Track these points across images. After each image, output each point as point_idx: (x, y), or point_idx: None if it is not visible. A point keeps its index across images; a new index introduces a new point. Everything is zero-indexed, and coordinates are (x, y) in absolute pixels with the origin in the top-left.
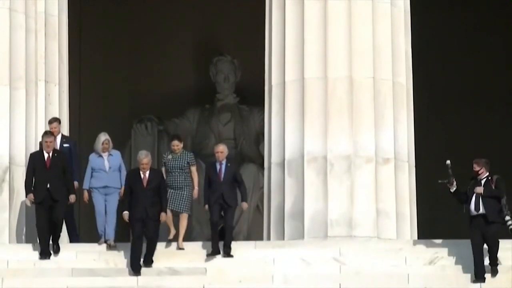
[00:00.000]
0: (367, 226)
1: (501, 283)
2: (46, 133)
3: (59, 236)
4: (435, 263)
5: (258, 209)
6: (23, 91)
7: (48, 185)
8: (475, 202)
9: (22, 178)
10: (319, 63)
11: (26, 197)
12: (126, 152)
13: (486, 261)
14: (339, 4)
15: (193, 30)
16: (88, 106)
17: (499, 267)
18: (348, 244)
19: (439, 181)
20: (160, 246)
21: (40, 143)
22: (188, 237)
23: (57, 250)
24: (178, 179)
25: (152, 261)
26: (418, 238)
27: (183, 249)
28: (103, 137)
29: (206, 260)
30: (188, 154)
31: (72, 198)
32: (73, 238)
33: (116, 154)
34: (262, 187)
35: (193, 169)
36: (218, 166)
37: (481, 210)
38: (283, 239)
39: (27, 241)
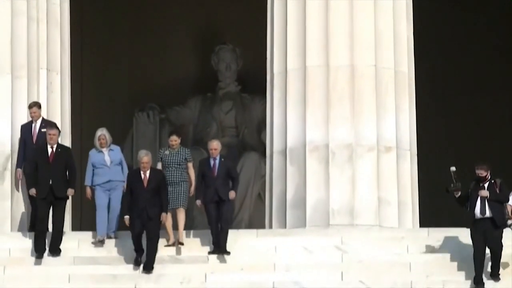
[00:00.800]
0: (369, 215)
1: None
2: (50, 125)
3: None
4: (437, 252)
5: (260, 197)
6: (25, 79)
7: (51, 181)
8: (481, 206)
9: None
10: (321, 52)
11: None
12: (127, 141)
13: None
14: None
15: (196, 18)
16: (89, 95)
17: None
18: (350, 233)
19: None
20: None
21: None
22: (190, 227)
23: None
24: (175, 174)
25: (152, 268)
26: (420, 226)
27: (182, 244)
28: (100, 132)
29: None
30: (186, 150)
31: (70, 191)
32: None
33: (116, 149)
34: (264, 176)
35: (190, 165)
36: (212, 162)
37: (488, 214)
38: (285, 227)
39: (29, 230)
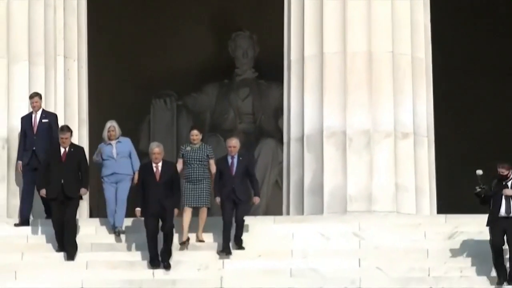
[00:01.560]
0: (386, 201)
1: None
2: (62, 129)
3: (74, 237)
4: (454, 238)
5: (277, 184)
6: (42, 66)
7: (62, 181)
8: (506, 205)
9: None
10: (338, 38)
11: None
12: (144, 128)
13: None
14: None
15: (212, 5)
16: (106, 82)
17: None
18: (367, 219)
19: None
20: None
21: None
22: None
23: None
24: (197, 171)
25: (169, 263)
26: (437, 212)
27: (203, 241)
28: (109, 123)
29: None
30: (207, 147)
31: (83, 191)
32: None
33: (125, 140)
34: (281, 162)
35: (212, 162)
36: (230, 160)
37: None
38: (302, 214)
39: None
